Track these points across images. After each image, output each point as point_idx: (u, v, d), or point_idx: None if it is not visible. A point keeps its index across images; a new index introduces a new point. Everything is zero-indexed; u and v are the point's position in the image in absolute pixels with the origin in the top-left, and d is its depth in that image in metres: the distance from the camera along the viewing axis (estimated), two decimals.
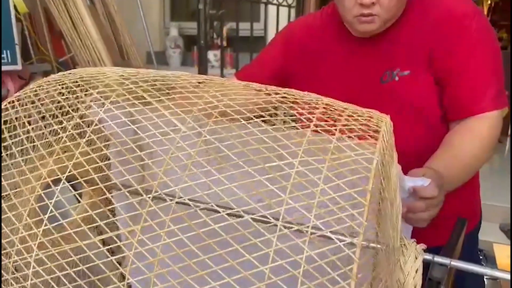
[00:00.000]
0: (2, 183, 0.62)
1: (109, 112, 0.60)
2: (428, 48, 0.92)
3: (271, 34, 2.73)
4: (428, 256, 0.59)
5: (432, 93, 0.93)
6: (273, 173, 0.48)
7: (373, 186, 0.46)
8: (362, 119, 0.53)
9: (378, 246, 0.55)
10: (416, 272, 0.57)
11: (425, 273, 0.61)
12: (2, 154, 0.64)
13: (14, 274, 0.58)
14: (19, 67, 1.43)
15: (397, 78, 0.94)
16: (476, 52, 0.91)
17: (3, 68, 1.39)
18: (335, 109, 0.55)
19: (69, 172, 0.56)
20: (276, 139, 0.51)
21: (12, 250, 0.55)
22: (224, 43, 2.94)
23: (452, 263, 0.58)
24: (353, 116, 0.54)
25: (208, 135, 0.54)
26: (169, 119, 0.57)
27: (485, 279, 1.32)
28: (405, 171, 0.76)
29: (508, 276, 0.59)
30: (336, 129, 0.50)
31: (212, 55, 2.93)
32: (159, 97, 0.62)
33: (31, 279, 0.55)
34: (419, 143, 0.94)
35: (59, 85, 0.70)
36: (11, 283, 0.57)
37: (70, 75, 0.72)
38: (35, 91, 0.70)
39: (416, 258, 0.57)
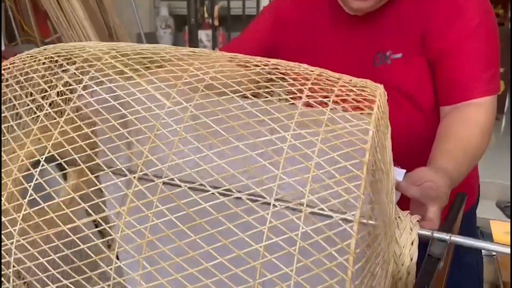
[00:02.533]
0: None
1: (90, 88, 0.57)
2: (421, 29, 0.88)
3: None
4: (427, 232, 0.58)
5: (426, 78, 0.90)
6: (265, 147, 0.45)
7: (370, 158, 0.44)
8: (356, 89, 0.50)
9: (373, 223, 0.52)
10: (412, 244, 0.56)
11: (424, 249, 0.60)
12: None
13: None
14: (2, 47, 1.38)
15: (389, 62, 0.91)
16: (472, 33, 0.87)
17: None
18: (327, 79, 0.52)
19: (49, 152, 0.54)
20: (267, 112, 0.48)
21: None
22: (216, 22, 2.88)
23: (452, 238, 0.56)
24: (346, 86, 0.51)
25: (196, 110, 0.51)
26: (154, 94, 0.54)
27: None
28: (395, 158, 0.73)
29: (507, 250, 0.57)
30: (329, 100, 0.47)
31: (204, 35, 2.88)
32: (142, 71, 0.59)
33: (13, 266, 0.53)
34: (411, 129, 0.91)
35: (34, 61, 0.66)
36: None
37: (46, 51, 0.68)
38: (8, 68, 0.67)
39: (411, 230, 0.55)
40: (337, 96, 0.49)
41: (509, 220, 2.26)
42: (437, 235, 0.58)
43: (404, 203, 0.71)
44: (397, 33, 0.90)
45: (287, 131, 0.45)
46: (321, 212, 0.41)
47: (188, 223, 0.42)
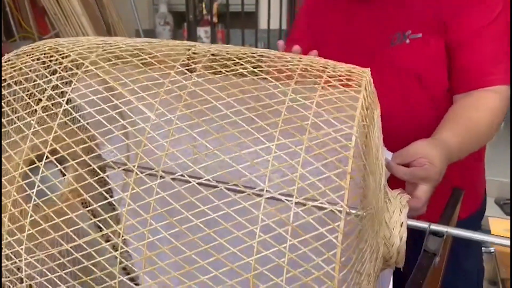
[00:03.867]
0: None
1: (83, 81, 0.57)
2: (443, 11, 0.86)
3: (263, 9, 2.67)
4: (424, 224, 0.57)
5: (442, 62, 0.88)
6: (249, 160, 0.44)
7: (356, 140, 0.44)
8: (342, 76, 0.50)
9: (360, 212, 0.52)
10: (401, 225, 0.56)
11: (420, 244, 0.59)
12: None
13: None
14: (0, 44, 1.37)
15: (407, 41, 0.88)
16: (493, 20, 0.85)
17: None
18: (315, 68, 0.52)
19: (48, 148, 0.53)
20: (258, 99, 0.47)
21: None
22: (215, 19, 2.87)
23: (449, 230, 0.56)
24: (333, 75, 0.51)
25: (190, 96, 0.50)
26: (147, 85, 0.54)
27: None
28: (403, 142, 0.72)
29: (507, 242, 0.57)
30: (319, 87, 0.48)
31: (203, 32, 2.87)
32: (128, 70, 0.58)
33: (25, 258, 0.53)
34: (421, 114, 0.90)
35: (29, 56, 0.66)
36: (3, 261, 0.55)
37: (39, 47, 0.68)
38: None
39: (401, 212, 0.55)
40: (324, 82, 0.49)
41: (509, 217, 2.26)
42: (434, 227, 0.57)
43: (397, 180, 0.71)
44: (419, 13, 0.88)
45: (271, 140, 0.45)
46: (310, 202, 0.41)
47: (184, 212, 0.42)
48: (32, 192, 0.51)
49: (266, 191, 0.41)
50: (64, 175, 0.80)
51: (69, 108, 0.55)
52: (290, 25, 2.78)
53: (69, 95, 0.55)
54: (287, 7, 2.76)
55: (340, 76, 0.55)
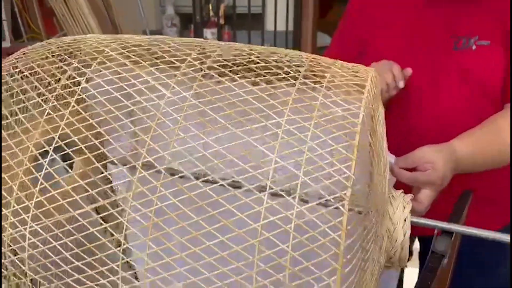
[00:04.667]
0: None
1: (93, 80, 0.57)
2: (506, 19, 0.84)
3: (270, 11, 2.67)
4: (432, 222, 0.58)
5: (506, 71, 0.85)
6: (260, 134, 0.45)
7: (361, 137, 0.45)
8: (348, 74, 0.51)
9: (359, 207, 0.52)
10: (405, 221, 0.57)
11: (428, 246, 0.59)
12: None
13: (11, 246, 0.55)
14: (7, 43, 1.39)
15: (474, 47, 0.86)
16: None
17: None
18: (320, 65, 0.53)
19: (56, 142, 0.54)
20: (262, 99, 0.48)
21: (6, 224, 0.53)
22: (222, 21, 2.88)
23: (456, 228, 0.56)
24: (338, 72, 0.51)
25: (194, 98, 0.51)
26: (157, 82, 0.54)
27: None
28: None
29: (507, 238, 0.57)
30: (322, 86, 0.48)
31: (210, 33, 2.87)
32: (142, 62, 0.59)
33: (28, 250, 0.53)
34: (482, 119, 0.86)
35: (38, 55, 0.67)
36: (8, 255, 0.55)
37: (49, 45, 0.69)
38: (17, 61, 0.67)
39: (404, 208, 0.56)
40: (329, 81, 0.50)
41: None
42: (442, 225, 0.58)
43: (403, 185, 0.71)
44: (486, 21, 0.86)
45: (281, 117, 0.45)
46: (313, 200, 0.41)
47: (190, 207, 0.43)
48: (40, 182, 0.52)
49: (270, 185, 0.41)
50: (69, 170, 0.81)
51: (79, 109, 0.55)
52: (296, 27, 2.78)
53: (83, 85, 0.56)
54: (294, 9, 2.76)
55: (347, 70, 0.55)
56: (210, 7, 2.86)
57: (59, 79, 0.59)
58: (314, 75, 0.54)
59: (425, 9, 0.92)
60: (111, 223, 0.54)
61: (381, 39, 0.97)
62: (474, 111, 0.87)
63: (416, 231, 0.61)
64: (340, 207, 0.41)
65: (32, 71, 0.62)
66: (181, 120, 0.50)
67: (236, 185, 0.45)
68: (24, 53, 0.68)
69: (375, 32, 0.99)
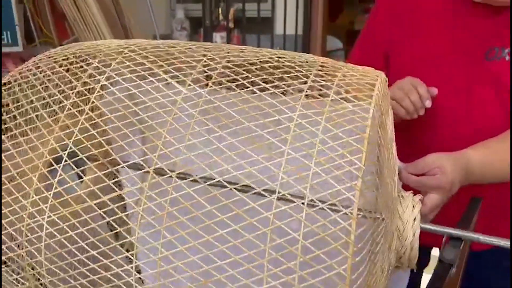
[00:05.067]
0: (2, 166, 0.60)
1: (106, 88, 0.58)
2: None
3: (279, 15, 2.68)
4: (440, 228, 0.58)
5: None
6: (268, 141, 0.46)
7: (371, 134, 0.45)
8: (358, 74, 0.52)
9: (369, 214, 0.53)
10: (414, 220, 0.57)
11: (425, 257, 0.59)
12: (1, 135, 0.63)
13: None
14: (20, 48, 1.41)
15: (507, 58, 0.85)
16: None
17: (4, 50, 1.37)
18: (331, 66, 0.54)
19: (70, 148, 0.55)
20: (271, 106, 0.49)
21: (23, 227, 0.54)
22: (231, 25, 2.89)
23: (464, 233, 0.56)
24: (349, 72, 0.52)
25: (205, 104, 0.51)
26: (168, 89, 0.55)
27: None
28: None
29: (507, 243, 0.57)
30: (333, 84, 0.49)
31: (219, 37, 2.88)
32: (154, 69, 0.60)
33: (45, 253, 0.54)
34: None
35: (60, 57, 0.68)
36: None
37: (63, 51, 0.70)
38: (36, 64, 0.69)
39: (414, 207, 0.56)
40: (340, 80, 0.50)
41: None
42: (451, 231, 0.58)
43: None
44: None
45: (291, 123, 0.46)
46: (321, 205, 0.42)
47: (198, 211, 0.43)
48: (53, 188, 0.53)
49: (279, 192, 0.41)
50: (82, 177, 0.82)
51: (92, 115, 0.56)
52: (306, 30, 2.78)
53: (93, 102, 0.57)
54: (303, 13, 2.76)
55: (357, 71, 0.56)
56: (220, 11, 2.87)
57: (75, 86, 0.60)
58: (325, 73, 0.55)
59: (461, 18, 0.90)
60: (122, 228, 0.55)
61: (410, 44, 0.95)
62: (506, 122, 0.86)
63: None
64: (351, 196, 0.42)
65: (46, 78, 0.64)
66: (193, 124, 0.51)
67: (245, 189, 0.45)
68: (39, 59, 0.69)
69: (404, 35, 0.96)
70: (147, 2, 2.64)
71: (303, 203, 0.41)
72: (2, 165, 0.59)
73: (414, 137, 0.95)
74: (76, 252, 0.51)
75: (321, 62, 0.57)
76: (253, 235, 0.41)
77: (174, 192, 0.44)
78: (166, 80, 0.57)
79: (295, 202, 0.41)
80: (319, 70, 0.54)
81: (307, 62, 0.57)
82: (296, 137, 0.46)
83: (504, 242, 0.57)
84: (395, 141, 1.02)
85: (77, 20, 1.92)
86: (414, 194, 0.62)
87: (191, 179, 0.46)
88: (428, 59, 0.91)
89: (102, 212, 0.70)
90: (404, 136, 0.95)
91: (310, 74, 0.53)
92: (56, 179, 0.55)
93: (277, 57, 0.59)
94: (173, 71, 0.58)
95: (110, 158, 0.63)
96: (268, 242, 0.40)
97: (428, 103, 0.85)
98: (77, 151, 0.57)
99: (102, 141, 0.57)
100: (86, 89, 0.60)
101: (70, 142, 0.56)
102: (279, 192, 0.42)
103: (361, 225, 0.43)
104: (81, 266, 0.52)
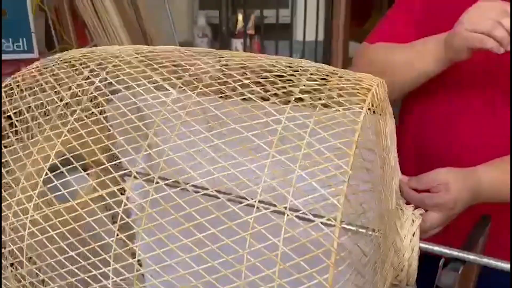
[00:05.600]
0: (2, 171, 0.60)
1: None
2: None
3: (300, 21, 2.66)
4: (438, 248, 0.54)
5: None
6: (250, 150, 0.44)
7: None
8: (351, 82, 0.50)
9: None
10: (414, 235, 0.54)
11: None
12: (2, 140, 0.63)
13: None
14: (35, 55, 1.43)
15: None
16: None
17: (19, 56, 1.40)
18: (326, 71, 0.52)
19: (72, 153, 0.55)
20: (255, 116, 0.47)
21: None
22: (252, 31, 2.89)
23: (464, 255, 0.52)
24: (343, 77, 0.50)
25: (193, 106, 0.50)
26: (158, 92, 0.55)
27: None
28: None
29: (507, 266, 0.53)
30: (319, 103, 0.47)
31: (240, 44, 2.88)
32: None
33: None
34: None
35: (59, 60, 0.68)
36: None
37: (66, 55, 0.70)
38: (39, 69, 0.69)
39: (413, 221, 0.53)
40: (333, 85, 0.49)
41: None
42: (451, 251, 0.54)
43: None
44: None
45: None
46: (302, 214, 0.40)
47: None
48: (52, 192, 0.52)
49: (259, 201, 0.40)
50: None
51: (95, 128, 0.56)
52: (327, 36, 2.76)
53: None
54: (324, 18, 2.74)
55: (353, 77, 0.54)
56: (240, 18, 2.87)
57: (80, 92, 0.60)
58: (319, 78, 0.53)
59: None
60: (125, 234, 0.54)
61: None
62: None
63: None
64: (335, 201, 0.40)
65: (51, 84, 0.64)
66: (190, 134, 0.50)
67: (227, 192, 0.44)
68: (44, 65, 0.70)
69: (436, 23, 0.88)
70: (170, 10, 2.65)
71: (285, 207, 0.40)
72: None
73: (429, 140, 0.90)
74: (76, 257, 0.51)
75: (317, 68, 0.56)
76: (231, 239, 0.39)
77: (155, 193, 0.43)
78: (158, 82, 0.56)
79: (276, 206, 0.40)
80: (312, 75, 0.52)
81: (302, 67, 0.55)
82: (283, 140, 0.45)
83: (503, 265, 0.53)
84: (410, 151, 0.98)
85: (96, 27, 1.94)
86: (416, 208, 0.59)
87: (171, 180, 0.45)
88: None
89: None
90: (419, 140, 0.91)
91: (303, 78, 0.51)
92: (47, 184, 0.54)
93: (272, 62, 0.57)
94: (166, 73, 0.57)
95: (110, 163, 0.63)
96: (246, 247, 0.38)
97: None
98: (70, 158, 0.57)
99: (110, 147, 0.57)
100: (80, 91, 0.59)
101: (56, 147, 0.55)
102: (260, 197, 0.40)
103: (345, 234, 0.41)
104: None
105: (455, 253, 0.54)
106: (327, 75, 0.54)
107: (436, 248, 0.55)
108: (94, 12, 1.96)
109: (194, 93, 0.52)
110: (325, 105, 0.49)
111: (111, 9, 1.99)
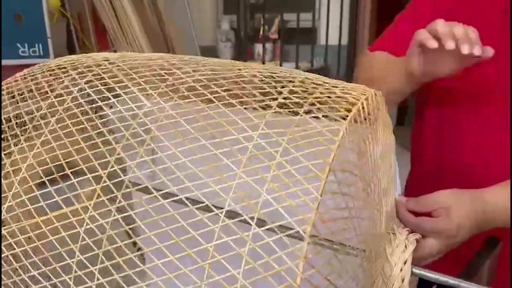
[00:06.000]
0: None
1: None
2: None
3: (323, 25, 2.61)
4: (439, 276, 0.49)
5: None
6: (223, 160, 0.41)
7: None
8: (337, 95, 0.46)
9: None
10: (405, 263, 0.49)
11: None
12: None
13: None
14: (51, 59, 1.44)
15: None
16: None
17: (35, 61, 1.40)
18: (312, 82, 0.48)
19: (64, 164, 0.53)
20: (231, 122, 0.44)
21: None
22: (275, 35, 2.86)
23: (461, 284, 0.47)
24: (330, 90, 0.46)
25: (166, 118, 0.48)
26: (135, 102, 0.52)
27: None
28: None
29: None
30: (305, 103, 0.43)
31: (261, 48, 2.86)
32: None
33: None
34: None
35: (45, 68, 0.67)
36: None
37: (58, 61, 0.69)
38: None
39: (406, 248, 0.48)
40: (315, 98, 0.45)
41: None
42: (443, 278, 0.49)
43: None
44: None
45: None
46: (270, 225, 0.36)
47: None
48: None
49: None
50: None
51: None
52: (351, 40, 2.70)
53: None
54: (349, 22, 2.69)
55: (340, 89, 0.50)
56: (263, 22, 2.85)
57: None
58: (302, 90, 0.49)
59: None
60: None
61: None
62: None
63: None
64: (301, 231, 0.36)
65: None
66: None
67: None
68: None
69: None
70: (193, 13, 2.66)
71: (252, 218, 0.36)
72: None
73: (450, 158, 0.84)
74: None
75: (304, 78, 0.52)
76: (194, 250, 0.36)
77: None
78: (134, 93, 0.53)
79: (243, 217, 0.37)
80: (294, 87, 0.48)
81: (287, 77, 0.52)
82: (253, 159, 0.41)
83: None
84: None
85: (116, 32, 1.95)
86: (412, 232, 0.54)
87: (139, 187, 0.43)
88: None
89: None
90: (439, 156, 0.86)
91: (284, 91, 0.48)
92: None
93: (255, 72, 0.54)
94: (143, 83, 0.54)
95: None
96: (209, 258, 0.35)
97: (477, 50, 0.63)
98: (40, 172, 0.55)
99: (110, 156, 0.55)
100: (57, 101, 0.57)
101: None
102: (226, 209, 0.37)
103: (317, 252, 0.37)
104: None
105: (451, 281, 0.49)
106: (313, 87, 0.50)
107: (431, 275, 0.50)
108: (114, 17, 1.98)
109: (167, 105, 0.49)
110: (307, 113, 0.46)
111: (131, 14, 1.99)
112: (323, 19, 2.62)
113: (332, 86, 0.51)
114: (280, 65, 2.34)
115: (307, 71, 0.59)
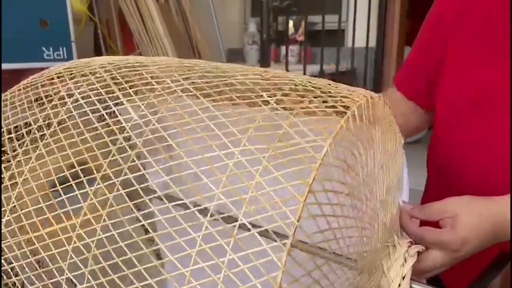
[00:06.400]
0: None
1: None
2: None
3: (350, 27, 2.57)
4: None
5: None
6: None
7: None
8: (334, 98, 0.44)
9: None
10: (403, 278, 0.46)
11: None
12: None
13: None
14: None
15: None
16: None
17: (59, 64, 1.43)
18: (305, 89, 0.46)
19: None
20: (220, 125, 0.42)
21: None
22: (302, 38, 2.83)
23: None
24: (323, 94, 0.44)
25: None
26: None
27: None
28: None
29: None
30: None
31: (290, 51, 2.84)
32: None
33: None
34: None
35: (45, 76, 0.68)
36: None
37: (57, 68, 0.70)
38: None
39: (406, 261, 0.45)
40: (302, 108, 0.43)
41: None
42: None
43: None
44: None
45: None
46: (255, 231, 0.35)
47: None
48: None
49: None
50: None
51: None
52: (379, 42, 2.65)
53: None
54: (377, 23, 2.63)
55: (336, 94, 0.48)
56: (290, 24, 2.83)
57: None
58: (289, 99, 0.47)
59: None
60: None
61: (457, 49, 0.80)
62: None
63: None
64: (281, 245, 0.34)
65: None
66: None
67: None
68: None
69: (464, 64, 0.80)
70: (220, 17, 2.67)
71: (236, 220, 0.35)
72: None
73: (462, 167, 0.80)
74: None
75: (296, 83, 0.50)
76: (176, 256, 0.35)
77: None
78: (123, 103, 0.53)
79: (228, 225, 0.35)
80: (284, 96, 0.46)
81: (276, 84, 0.50)
82: (232, 178, 0.40)
83: None
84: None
85: (141, 35, 1.97)
86: (415, 243, 0.51)
87: (126, 190, 0.43)
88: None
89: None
90: (448, 165, 0.82)
91: (271, 101, 0.46)
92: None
93: (246, 78, 0.52)
94: (132, 94, 0.54)
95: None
96: (191, 265, 0.34)
97: None
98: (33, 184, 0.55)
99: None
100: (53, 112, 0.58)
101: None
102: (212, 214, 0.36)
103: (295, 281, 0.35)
104: None
105: None
106: (305, 93, 0.48)
107: None
108: (140, 21, 2.00)
109: (154, 118, 0.48)
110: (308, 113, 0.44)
111: (157, 17, 2.01)
112: (350, 21, 2.58)
113: (328, 91, 0.49)
114: (304, 68, 2.31)
115: (331, 74, 0.56)
